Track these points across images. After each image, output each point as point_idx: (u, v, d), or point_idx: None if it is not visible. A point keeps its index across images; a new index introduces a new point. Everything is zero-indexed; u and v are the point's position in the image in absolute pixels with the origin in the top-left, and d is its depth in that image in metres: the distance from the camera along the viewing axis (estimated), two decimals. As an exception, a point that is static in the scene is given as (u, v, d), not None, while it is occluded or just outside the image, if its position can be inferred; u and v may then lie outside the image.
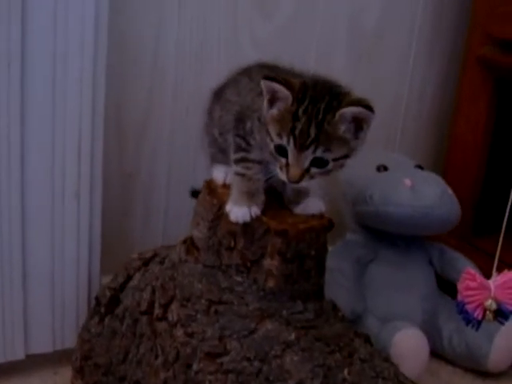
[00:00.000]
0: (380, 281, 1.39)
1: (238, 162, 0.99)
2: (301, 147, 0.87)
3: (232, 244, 1.01)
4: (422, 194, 1.31)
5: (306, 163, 0.89)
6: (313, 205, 1.04)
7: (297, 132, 0.87)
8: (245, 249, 1.00)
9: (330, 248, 1.06)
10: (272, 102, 0.90)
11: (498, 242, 0.97)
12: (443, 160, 1.66)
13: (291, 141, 0.88)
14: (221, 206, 1.01)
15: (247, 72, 1.05)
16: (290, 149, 0.88)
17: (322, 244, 1.02)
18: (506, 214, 0.97)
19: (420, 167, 1.43)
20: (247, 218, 0.97)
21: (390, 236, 1.40)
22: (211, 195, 1.04)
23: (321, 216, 1.03)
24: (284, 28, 1.46)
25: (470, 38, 1.55)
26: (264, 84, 0.89)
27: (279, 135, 0.89)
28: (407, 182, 1.32)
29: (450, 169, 1.60)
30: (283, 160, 0.90)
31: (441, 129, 1.72)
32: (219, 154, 1.07)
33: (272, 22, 1.44)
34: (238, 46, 1.41)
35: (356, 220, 1.44)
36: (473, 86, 1.54)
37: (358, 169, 1.43)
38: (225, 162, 1.06)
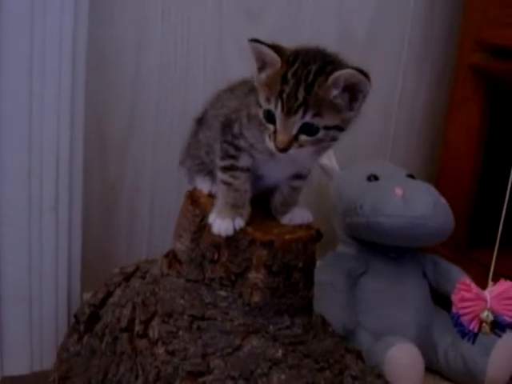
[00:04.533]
0: (372, 294, 1.35)
1: (225, 169, 0.95)
2: (288, 111, 0.83)
3: (216, 256, 0.96)
4: (413, 203, 1.27)
5: (295, 129, 0.84)
6: (300, 215, 1.00)
7: (284, 95, 0.83)
8: (229, 261, 0.95)
9: (319, 261, 1.02)
10: (261, 69, 0.87)
11: (493, 253, 0.94)
12: (436, 170, 1.63)
13: (279, 105, 0.83)
14: (204, 217, 0.97)
15: (228, 88, 1.01)
16: (278, 113, 0.84)
17: (310, 255, 0.98)
18: (501, 224, 0.94)
19: (411, 176, 1.39)
20: (230, 232, 0.93)
21: (382, 248, 1.36)
22: (193, 205, 1.00)
23: (308, 226, 0.99)
24: (271, 38, 1.42)
25: (461, 46, 1.53)
26: (251, 46, 0.85)
27: (268, 100, 0.85)
28: (398, 191, 1.29)
29: (442, 179, 1.57)
30: (271, 127, 0.85)
31: (433, 138, 1.70)
32: (206, 176, 1.03)
33: (258, 31, 1.39)
34: (224, 58, 1.38)
35: (347, 232, 1.40)
36: (465, 93, 1.51)
37: (348, 179, 1.40)
38: (211, 178, 1.02)
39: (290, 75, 0.83)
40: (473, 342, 0.85)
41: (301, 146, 0.84)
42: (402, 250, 1.38)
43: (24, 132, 1.09)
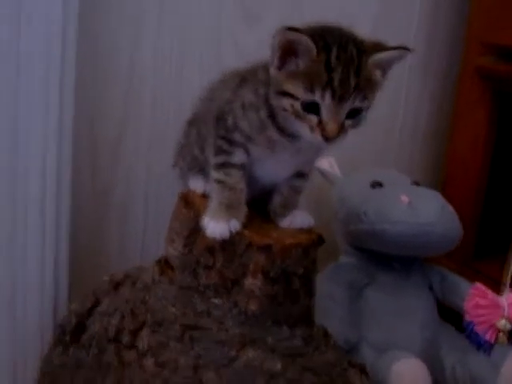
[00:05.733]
0: (376, 307, 1.29)
1: (218, 167, 0.90)
2: (340, 99, 0.79)
3: (210, 262, 0.90)
4: (420, 210, 1.22)
5: (343, 116, 0.81)
6: (301, 218, 0.95)
7: (335, 83, 0.78)
8: (224, 267, 0.89)
9: (319, 273, 0.97)
10: (283, 58, 0.81)
11: (503, 263, 0.89)
12: (441, 178, 1.57)
13: (328, 94, 0.79)
14: (198, 220, 0.91)
15: (219, 81, 0.98)
16: (326, 103, 0.79)
17: (311, 261, 0.92)
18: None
19: (417, 184, 1.34)
20: (226, 235, 0.88)
21: (387, 258, 1.30)
22: (187, 207, 0.94)
23: (309, 231, 0.94)
24: (269, 39, 1.38)
25: (466, 49, 1.48)
26: (282, 35, 0.79)
27: (310, 90, 0.79)
28: (404, 197, 1.23)
29: (448, 187, 1.52)
30: (314, 118, 0.81)
31: (438, 145, 1.64)
32: (199, 174, 0.99)
33: (256, 33, 1.36)
34: (221, 56, 1.34)
35: (349, 241, 1.34)
36: (471, 98, 1.46)
37: (351, 185, 1.35)
38: (204, 177, 0.97)
39: (334, 61, 0.79)
40: (489, 354, 0.79)
41: (345, 132, 0.82)
42: (407, 261, 1.32)
43: (9, 130, 1.04)
